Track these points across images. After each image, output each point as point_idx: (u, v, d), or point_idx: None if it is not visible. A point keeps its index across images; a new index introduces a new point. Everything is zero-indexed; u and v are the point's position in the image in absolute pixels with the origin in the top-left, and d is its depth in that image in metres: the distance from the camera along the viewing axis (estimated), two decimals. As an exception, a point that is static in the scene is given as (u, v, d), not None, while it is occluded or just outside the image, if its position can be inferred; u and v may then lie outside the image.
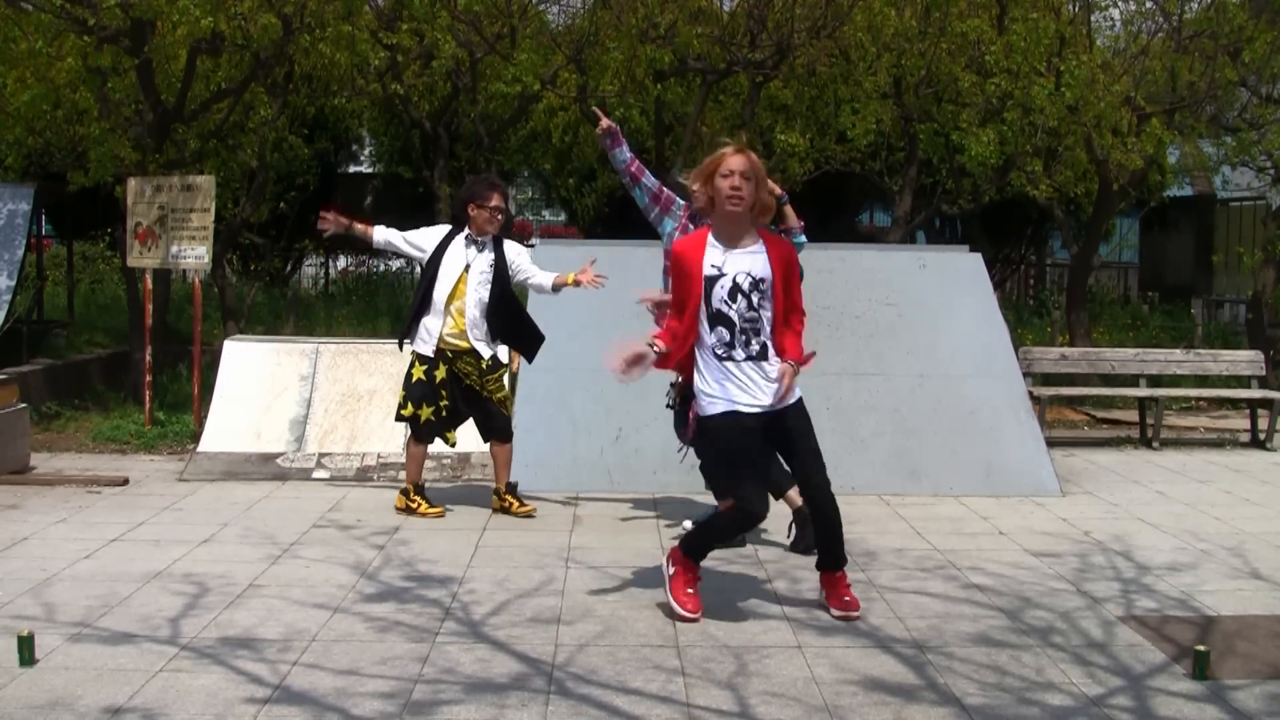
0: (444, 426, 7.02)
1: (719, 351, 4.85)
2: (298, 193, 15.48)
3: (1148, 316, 18.39)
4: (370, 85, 12.54)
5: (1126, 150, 11.54)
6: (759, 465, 5.00)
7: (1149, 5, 12.22)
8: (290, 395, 8.46)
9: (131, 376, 10.64)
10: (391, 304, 17.50)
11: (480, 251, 6.89)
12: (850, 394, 8.22)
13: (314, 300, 18.43)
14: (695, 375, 4.94)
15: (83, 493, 7.45)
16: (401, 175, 17.18)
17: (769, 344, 4.89)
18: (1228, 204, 20.68)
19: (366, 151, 20.03)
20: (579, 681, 4.26)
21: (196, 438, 8.59)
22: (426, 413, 6.90)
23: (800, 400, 4.99)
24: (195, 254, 9.41)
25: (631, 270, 7.18)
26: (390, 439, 8.22)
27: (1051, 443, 8.72)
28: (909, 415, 8.15)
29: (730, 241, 4.87)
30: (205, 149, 11.39)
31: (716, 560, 5.93)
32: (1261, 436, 10.08)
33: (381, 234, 7.04)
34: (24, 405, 8.14)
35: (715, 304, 4.83)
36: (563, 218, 20.91)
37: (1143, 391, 10.25)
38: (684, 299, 4.90)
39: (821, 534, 5.11)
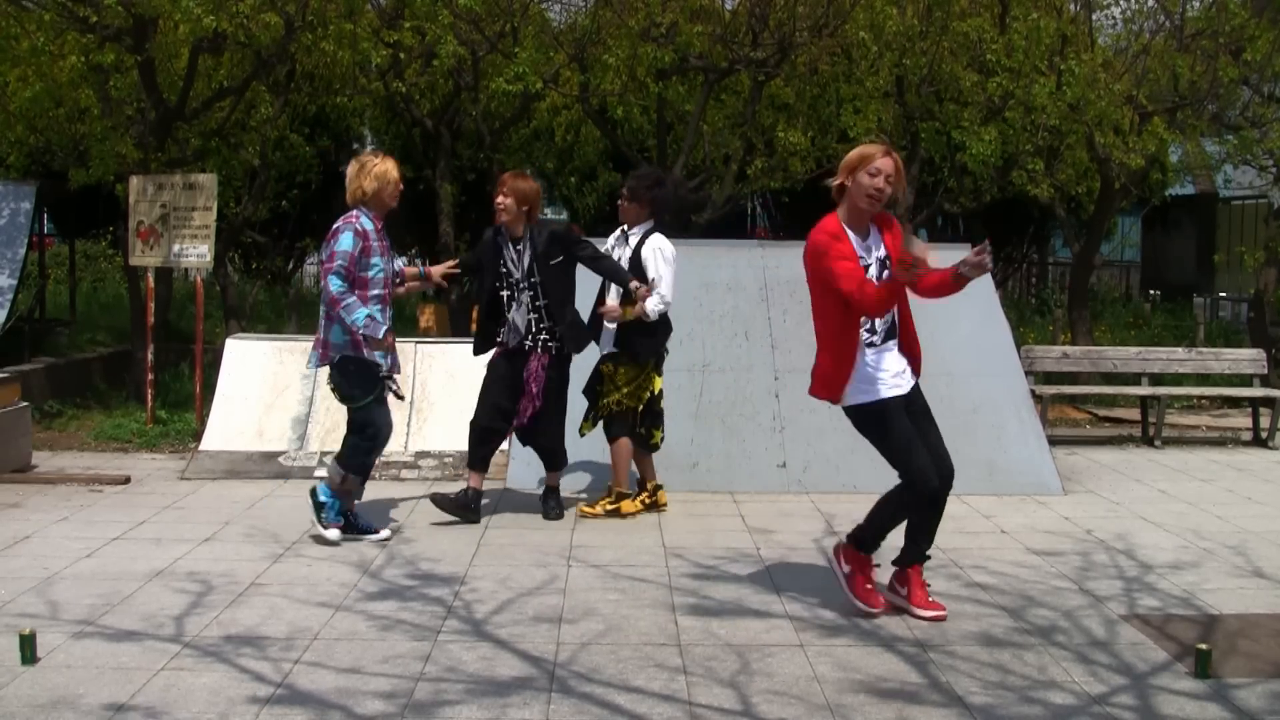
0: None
1: (864, 337, 5.01)
2: (299, 191, 15.49)
3: (1149, 315, 18.37)
4: (372, 84, 12.54)
5: (1128, 149, 11.52)
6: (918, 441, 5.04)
7: (1150, 4, 12.21)
8: (292, 394, 8.46)
9: (133, 375, 10.65)
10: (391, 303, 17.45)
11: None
12: (852, 393, 8.20)
13: (316, 299, 18.39)
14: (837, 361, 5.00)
15: (84, 491, 7.45)
16: (403, 174, 17.18)
17: (895, 322, 5.14)
18: (1230, 202, 20.68)
19: (368, 150, 20.01)
20: (581, 680, 4.26)
21: (198, 436, 8.59)
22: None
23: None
24: (197, 252, 9.42)
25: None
26: (391, 437, 8.19)
27: (1053, 441, 8.72)
28: (911, 414, 8.13)
29: (862, 232, 5.03)
30: (207, 147, 11.39)
31: (719, 559, 5.94)
32: (1263, 435, 10.08)
33: (652, 304, 6.73)
34: (26, 404, 8.14)
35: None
36: (564, 216, 20.93)
37: (1145, 390, 10.25)
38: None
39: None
